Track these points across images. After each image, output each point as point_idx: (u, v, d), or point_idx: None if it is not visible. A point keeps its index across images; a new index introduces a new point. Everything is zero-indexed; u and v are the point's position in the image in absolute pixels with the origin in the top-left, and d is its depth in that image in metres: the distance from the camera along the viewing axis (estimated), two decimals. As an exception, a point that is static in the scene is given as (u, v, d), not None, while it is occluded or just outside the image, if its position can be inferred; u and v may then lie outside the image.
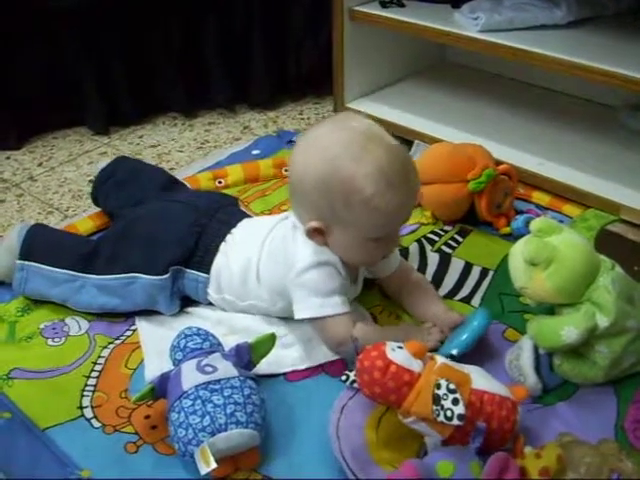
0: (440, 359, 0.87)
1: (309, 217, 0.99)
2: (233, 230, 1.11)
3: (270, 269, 1.05)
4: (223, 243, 1.10)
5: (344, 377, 0.89)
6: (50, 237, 1.19)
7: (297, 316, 1.01)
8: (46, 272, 1.12)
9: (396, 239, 1.05)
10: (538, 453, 0.82)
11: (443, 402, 0.80)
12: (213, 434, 0.83)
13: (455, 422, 0.79)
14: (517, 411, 0.86)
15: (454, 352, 0.96)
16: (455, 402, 0.80)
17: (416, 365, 0.84)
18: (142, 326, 1.10)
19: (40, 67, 1.68)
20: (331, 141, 0.96)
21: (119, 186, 1.28)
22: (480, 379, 0.86)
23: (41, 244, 1.15)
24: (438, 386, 0.81)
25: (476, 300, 1.15)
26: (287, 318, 1.07)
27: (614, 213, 1.33)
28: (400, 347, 0.85)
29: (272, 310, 1.08)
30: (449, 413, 0.80)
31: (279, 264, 1.03)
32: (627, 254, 1.21)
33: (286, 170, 1.51)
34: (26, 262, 1.13)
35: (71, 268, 1.11)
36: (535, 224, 0.94)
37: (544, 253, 0.91)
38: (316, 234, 0.99)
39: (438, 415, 0.80)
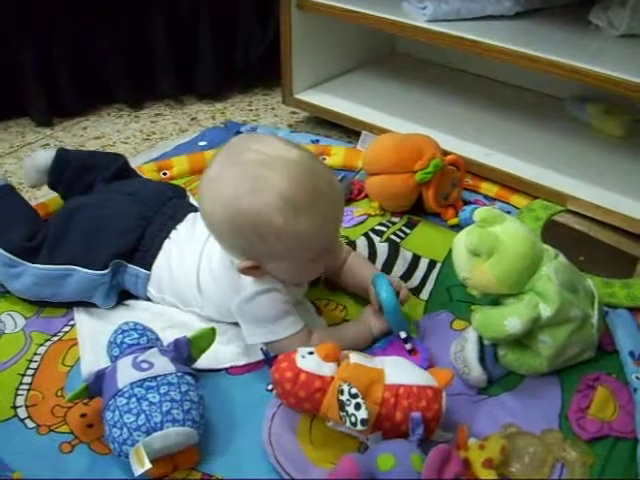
0: (354, 357, 0.85)
1: (237, 257, 0.95)
2: (178, 226, 1.08)
3: (213, 291, 1.01)
4: (167, 240, 1.06)
5: (270, 387, 0.87)
6: (8, 208, 1.15)
7: (248, 342, 0.98)
8: None
9: (336, 247, 1.00)
10: (482, 444, 0.81)
11: (347, 408, 0.79)
12: (148, 433, 0.80)
13: (359, 427, 0.78)
14: (441, 398, 0.84)
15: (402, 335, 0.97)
16: (357, 407, 0.79)
17: (327, 369, 0.83)
18: (81, 320, 1.06)
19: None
20: (224, 182, 0.90)
21: (80, 173, 1.21)
22: (396, 372, 0.84)
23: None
24: (341, 392, 0.80)
25: (425, 293, 1.14)
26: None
27: (561, 203, 1.33)
28: (311, 353, 0.84)
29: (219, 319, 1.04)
30: (353, 419, 0.79)
31: (223, 292, 0.99)
32: (573, 244, 1.22)
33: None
34: None
35: (14, 253, 1.06)
36: (478, 214, 0.93)
37: (486, 243, 0.90)
38: (251, 270, 0.94)
39: (345, 421, 0.79)
